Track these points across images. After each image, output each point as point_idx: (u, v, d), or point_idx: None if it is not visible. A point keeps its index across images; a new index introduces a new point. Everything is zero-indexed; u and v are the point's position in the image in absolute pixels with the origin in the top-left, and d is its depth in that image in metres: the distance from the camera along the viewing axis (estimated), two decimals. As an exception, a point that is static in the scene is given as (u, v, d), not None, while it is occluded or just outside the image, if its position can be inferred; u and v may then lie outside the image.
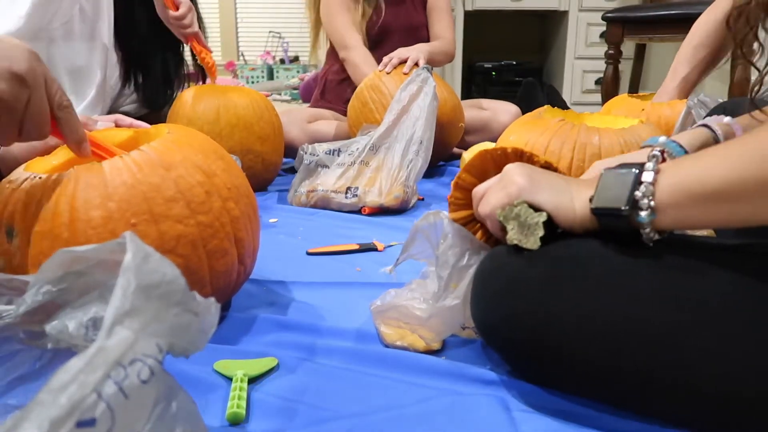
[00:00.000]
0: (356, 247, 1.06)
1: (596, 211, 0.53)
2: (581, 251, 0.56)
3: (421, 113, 1.34)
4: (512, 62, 3.15)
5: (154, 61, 1.57)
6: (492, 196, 0.61)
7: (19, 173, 0.66)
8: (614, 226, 0.53)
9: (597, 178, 0.55)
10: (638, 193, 0.50)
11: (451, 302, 0.64)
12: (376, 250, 1.05)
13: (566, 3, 2.93)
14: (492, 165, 0.68)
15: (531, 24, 3.36)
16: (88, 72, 1.40)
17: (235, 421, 0.56)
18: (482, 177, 0.67)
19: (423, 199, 1.41)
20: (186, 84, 1.66)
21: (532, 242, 0.56)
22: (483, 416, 0.56)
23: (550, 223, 0.56)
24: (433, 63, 1.74)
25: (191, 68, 1.65)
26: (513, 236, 0.57)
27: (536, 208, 0.57)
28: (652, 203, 0.49)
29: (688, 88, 1.37)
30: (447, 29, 1.89)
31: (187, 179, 0.66)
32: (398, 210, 1.29)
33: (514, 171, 0.60)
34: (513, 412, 0.57)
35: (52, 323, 0.43)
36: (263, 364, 0.65)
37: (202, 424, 0.38)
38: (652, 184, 0.50)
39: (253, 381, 0.62)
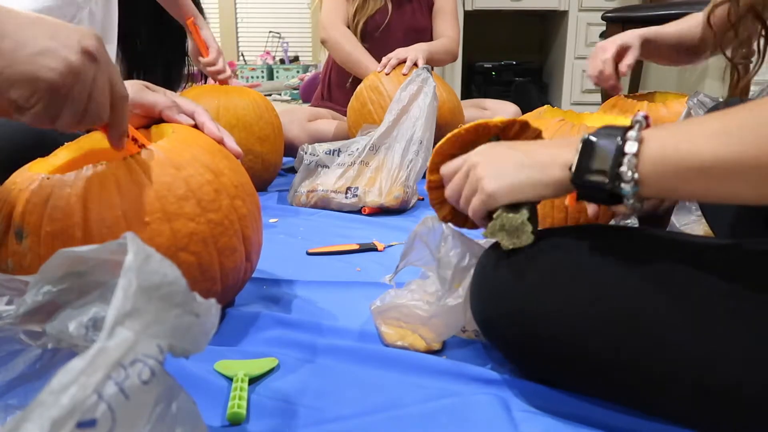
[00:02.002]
0: (356, 247, 1.06)
1: (576, 182, 0.52)
2: (576, 248, 0.56)
3: (421, 113, 1.34)
4: (512, 62, 3.15)
5: (156, 62, 1.57)
6: (467, 200, 0.60)
7: (25, 174, 0.66)
8: (596, 197, 0.52)
9: (576, 141, 0.52)
10: (623, 168, 0.48)
11: (453, 302, 0.64)
12: (376, 250, 1.05)
13: (566, 3, 2.92)
14: (458, 149, 0.66)
15: (531, 24, 3.36)
16: None
17: (236, 421, 0.56)
18: None
19: (423, 199, 1.40)
20: (187, 83, 1.66)
21: (525, 239, 0.57)
22: (483, 416, 0.56)
23: (533, 210, 0.57)
24: (434, 62, 1.74)
25: (193, 68, 1.65)
26: (507, 244, 0.58)
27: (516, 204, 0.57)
28: (635, 176, 0.48)
29: (651, 39, 1.19)
30: (451, 28, 1.88)
31: (197, 178, 0.67)
32: (398, 210, 1.29)
33: (479, 170, 0.58)
34: (513, 412, 0.57)
35: (52, 323, 0.43)
36: (264, 364, 0.65)
37: (202, 424, 0.38)
38: (636, 155, 0.48)
39: (253, 381, 0.62)
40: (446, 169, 0.64)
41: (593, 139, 0.51)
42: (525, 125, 0.66)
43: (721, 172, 0.44)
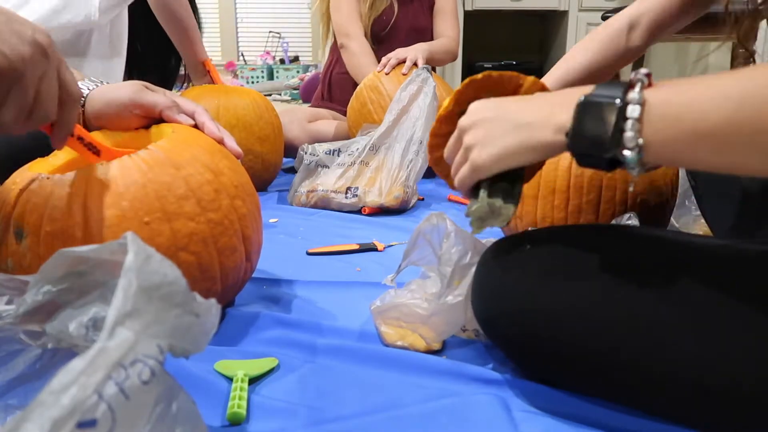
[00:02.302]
0: (356, 247, 1.06)
1: (574, 149, 0.48)
2: (577, 248, 0.56)
3: (421, 113, 1.34)
4: (512, 62, 3.15)
5: (154, 65, 1.58)
6: (457, 169, 0.57)
7: (25, 174, 0.66)
8: (594, 164, 0.48)
9: (572, 102, 0.48)
10: (627, 135, 0.44)
11: (453, 300, 0.64)
12: (376, 250, 1.05)
13: (566, 3, 2.93)
14: (454, 125, 0.61)
15: (531, 24, 3.36)
16: None
17: (236, 422, 0.56)
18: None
19: (423, 199, 1.41)
20: (186, 84, 1.66)
21: (506, 213, 0.55)
22: (483, 416, 0.56)
23: (514, 175, 0.55)
24: (434, 62, 1.74)
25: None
26: (499, 224, 0.56)
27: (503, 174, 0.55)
28: (639, 141, 0.44)
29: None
30: (450, 28, 1.89)
31: (197, 177, 0.67)
32: (398, 210, 1.30)
33: (469, 137, 0.55)
34: (513, 412, 0.57)
35: (52, 323, 0.43)
36: (264, 364, 0.65)
37: (202, 424, 0.38)
38: (639, 120, 0.43)
39: (253, 381, 0.62)
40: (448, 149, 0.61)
41: (591, 101, 0.46)
42: (535, 83, 0.61)
43: (732, 138, 0.41)
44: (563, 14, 2.98)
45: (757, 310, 0.48)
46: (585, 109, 0.47)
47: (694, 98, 0.42)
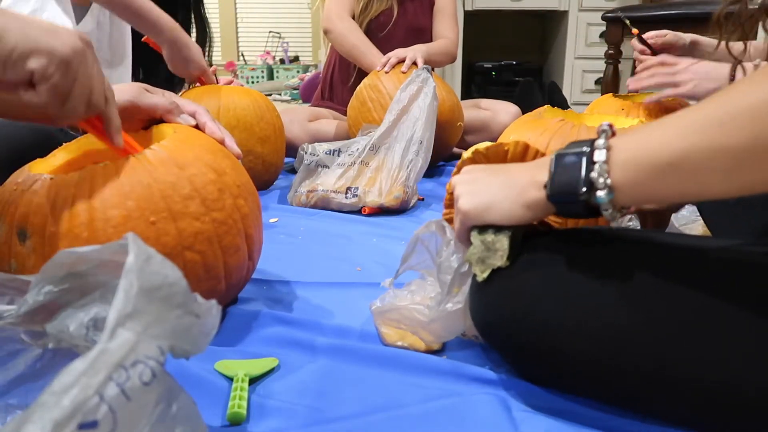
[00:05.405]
0: None
1: (552, 199, 0.52)
2: (575, 254, 0.56)
3: (421, 113, 1.34)
4: (512, 62, 3.15)
5: (160, 67, 1.58)
6: (455, 221, 0.61)
7: (26, 175, 0.66)
8: (574, 211, 0.51)
9: (548, 160, 0.53)
10: (593, 174, 0.48)
11: (453, 307, 0.64)
12: None
13: (566, 3, 2.93)
14: None
15: (531, 24, 3.36)
16: None
17: (236, 422, 0.56)
18: None
19: (423, 199, 1.41)
20: (188, 84, 1.66)
21: (502, 245, 0.56)
22: (483, 416, 0.56)
23: (512, 234, 0.57)
24: (432, 63, 1.74)
25: None
26: (499, 261, 0.57)
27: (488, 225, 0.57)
28: (608, 182, 0.48)
29: None
30: (449, 30, 1.88)
31: (201, 177, 0.67)
32: (398, 210, 1.30)
33: (457, 190, 0.60)
34: (513, 412, 0.57)
35: (53, 323, 0.43)
36: (264, 364, 0.65)
37: (202, 424, 0.38)
38: (606, 162, 0.48)
39: (254, 381, 0.62)
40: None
41: (563, 153, 0.51)
42: (525, 147, 0.66)
43: (691, 165, 0.44)
44: (563, 14, 2.98)
45: (759, 312, 0.48)
46: (558, 162, 0.51)
47: (652, 137, 0.46)
